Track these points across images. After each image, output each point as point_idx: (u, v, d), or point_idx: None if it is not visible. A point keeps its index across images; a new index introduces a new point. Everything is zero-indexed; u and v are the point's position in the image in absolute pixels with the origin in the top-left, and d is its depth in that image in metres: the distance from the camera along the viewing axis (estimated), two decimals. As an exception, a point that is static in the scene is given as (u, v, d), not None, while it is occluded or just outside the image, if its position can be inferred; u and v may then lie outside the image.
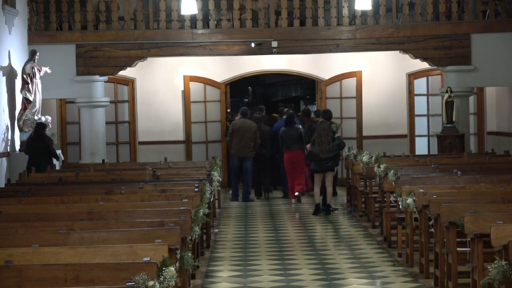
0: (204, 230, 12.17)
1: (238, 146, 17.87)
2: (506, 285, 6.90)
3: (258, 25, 18.50)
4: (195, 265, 10.03)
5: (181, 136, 20.36)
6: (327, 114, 16.60)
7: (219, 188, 15.22)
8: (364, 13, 18.39)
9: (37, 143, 15.34)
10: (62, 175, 13.28)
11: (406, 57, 19.04)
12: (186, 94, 20.26)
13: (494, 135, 20.32)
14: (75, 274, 6.00)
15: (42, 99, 16.82)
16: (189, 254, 7.49)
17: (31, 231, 7.91)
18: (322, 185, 15.85)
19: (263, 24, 18.49)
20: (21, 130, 16.46)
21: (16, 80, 16.68)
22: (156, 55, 18.57)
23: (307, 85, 29.30)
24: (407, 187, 10.47)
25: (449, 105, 17.83)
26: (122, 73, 19.09)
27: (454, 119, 17.84)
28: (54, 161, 15.89)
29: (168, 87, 20.39)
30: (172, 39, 18.32)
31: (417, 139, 20.71)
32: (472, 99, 19.87)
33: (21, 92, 16.45)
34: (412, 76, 20.59)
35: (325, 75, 20.55)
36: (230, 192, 18.61)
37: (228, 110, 20.49)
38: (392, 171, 11.96)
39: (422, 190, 10.15)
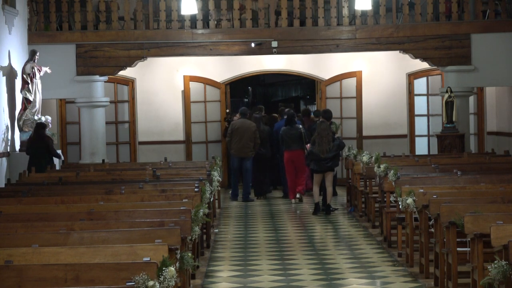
0: (204, 230, 12.17)
1: (237, 146, 17.87)
2: (506, 285, 6.90)
3: (258, 25, 18.51)
4: (195, 265, 10.03)
5: (181, 136, 20.36)
6: (327, 114, 16.60)
7: (219, 188, 15.22)
8: (364, 13, 18.39)
9: (37, 143, 15.34)
10: (62, 175, 13.28)
11: (406, 57, 19.04)
12: (186, 94, 20.26)
13: (494, 135, 20.32)
14: (75, 274, 6.00)
15: (42, 99, 16.82)
16: (189, 254, 7.49)
17: (31, 231, 7.91)
18: (321, 185, 15.86)
19: (263, 24, 18.49)
20: (21, 130, 16.47)
21: (16, 80, 16.68)
22: (156, 55, 18.57)
23: (307, 85, 29.30)
24: (407, 187, 10.47)
25: (449, 105, 17.83)
26: (122, 73, 19.09)
27: (454, 119, 17.84)
28: (55, 160, 15.91)
29: (168, 87, 20.39)
30: (172, 39, 18.32)
31: (417, 139, 20.71)
32: (472, 99, 19.87)
33: (21, 92, 16.46)
34: (412, 76, 20.59)
35: (325, 75, 20.55)
36: (230, 192, 18.61)
37: (227, 111, 20.46)
38: (392, 171, 11.96)
39: (422, 190, 10.15)
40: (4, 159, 15.80)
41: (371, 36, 18.39)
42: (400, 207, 10.53)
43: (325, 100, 20.38)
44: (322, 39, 18.41)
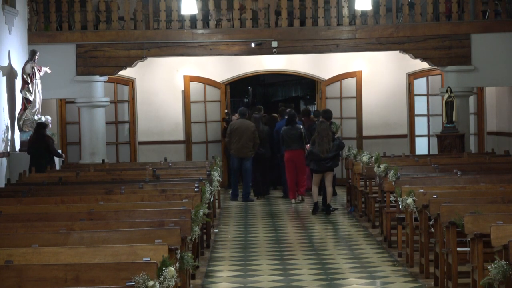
0: (204, 230, 12.17)
1: (237, 147, 17.87)
2: (506, 285, 6.90)
3: (258, 25, 18.51)
4: (195, 265, 10.03)
5: (181, 136, 20.36)
6: (327, 114, 16.59)
7: (219, 188, 15.22)
8: (364, 13, 18.40)
9: (38, 143, 15.35)
10: (62, 175, 13.28)
11: (406, 57, 19.04)
12: (186, 94, 20.26)
13: (494, 135, 20.32)
14: (75, 274, 6.00)
15: (42, 99, 16.82)
16: (189, 254, 7.48)
17: (31, 231, 7.90)
18: (321, 185, 15.88)
19: (263, 24, 18.50)
20: (21, 130, 16.47)
21: (16, 80, 16.68)
22: (156, 55, 18.57)
23: (307, 85, 29.30)
24: (407, 187, 10.47)
25: (449, 105, 17.83)
26: (122, 73, 19.09)
27: (454, 119, 17.84)
28: (56, 160, 15.91)
29: (168, 87, 20.39)
30: (172, 39, 18.32)
31: (417, 139, 20.71)
32: (472, 99, 19.87)
33: (21, 92, 16.46)
34: (412, 76, 20.59)
35: (325, 75, 20.55)
36: (230, 192, 18.61)
37: (226, 111, 20.44)
38: (392, 171, 11.96)
39: (422, 190, 10.15)
40: (4, 159, 15.80)
41: (371, 36, 18.39)
42: (400, 207, 10.53)
43: (325, 100, 20.38)
44: (322, 39, 18.41)
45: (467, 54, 18.24)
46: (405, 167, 13.45)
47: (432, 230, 9.60)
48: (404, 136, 20.56)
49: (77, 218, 8.58)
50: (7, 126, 16.13)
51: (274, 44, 18.29)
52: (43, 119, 16.37)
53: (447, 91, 17.84)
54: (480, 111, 20.65)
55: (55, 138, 16.75)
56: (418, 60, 18.87)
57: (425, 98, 20.69)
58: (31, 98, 16.40)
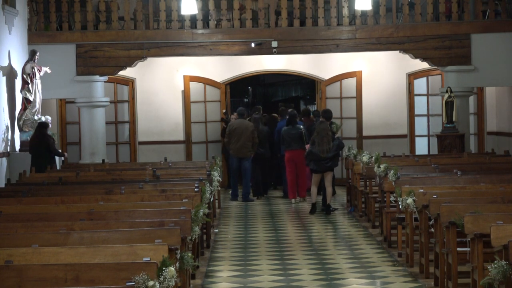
0: (204, 230, 12.17)
1: (236, 147, 17.87)
2: (506, 285, 6.90)
3: (258, 25, 18.51)
4: (195, 265, 10.03)
5: (181, 136, 20.36)
6: (327, 114, 16.59)
7: (219, 188, 15.22)
8: (364, 13, 18.40)
9: (38, 143, 15.35)
10: (62, 175, 13.28)
11: (406, 57, 19.04)
12: (186, 94, 20.26)
13: (494, 135, 20.32)
14: (75, 274, 6.00)
15: (42, 99, 16.82)
16: (189, 254, 7.48)
17: (31, 231, 7.90)
18: (320, 185, 15.89)
19: (263, 24, 18.50)
20: (21, 130, 16.47)
21: (16, 80, 16.68)
22: (156, 55, 18.57)
23: (307, 85, 29.29)
24: (407, 187, 10.47)
25: (449, 105, 17.83)
26: (122, 73, 19.09)
27: (454, 119, 17.84)
28: (57, 159, 15.90)
29: (168, 87, 20.39)
30: (172, 39, 18.32)
31: (417, 139, 20.71)
32: (472, 99, 19.87)
33: (21, 92, 16.46)
34: (412, 76, 20.59)
35: (325, 75, 20.55)
36: (230, 192, 18.61)
37: (224, 111, 20.41)
38: (392, 171, 11.96)
39: (422, 190, 10.15)
40: (4, 159, 15.80)
41: (371, 36, 18.39)
42: (400, 207, 10.53)
43: (325, 100, 20.38)
44: (322, 39, 18.41)
45: (467, 54, 18.24)
46: (405, 167, 13.45)
47: (432, 230, 9.60)
48: (404, 136, 20.56)
49: (77, 218, 8.58)
50: (7, 126, 16.13)
51: (274, 44, 18.29)
52: (43, 119, 16.38)
53: (447, 91, 17.84)
54: (480, 111, 20.65)
55: (55, 138, 16.76)
56: (418, 60, 18.87)
57: (425, 98, 20.69)
58: (31, 98, 16.40)
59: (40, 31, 18.16)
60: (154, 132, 20.36)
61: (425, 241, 9.88)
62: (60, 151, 16.08)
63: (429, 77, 20.61)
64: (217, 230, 14.05)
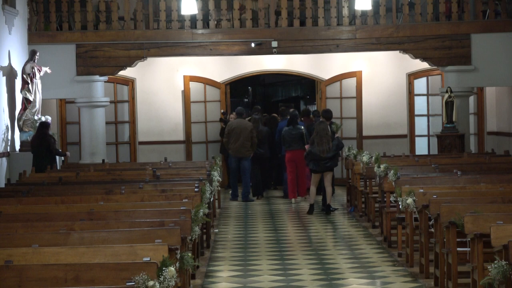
0: (204, 230, 12.17)
1: (235, 146, 17.86)
2: (506, 285, 6.90)
3: (258, 25, 18.51)
4: (195, 265, 10.03)
5: (181, 136, 20.36)
6: (328, 114, 16.60)
7: (219, 188, 15.22)
8: (364, 13, 18.40)
9: (39, 143, 15.35)
10: (62, 175, 13.28)
11: (406, 57, 19.04)
12: (186, 94, 20.26)
13: (494, 135, 20.32)
14: (75, 274, 6.00)
15: (42, 99, 16.82)
16: (189, 254, 7.48)
17: (31, 231, 7.91)
18: (320, 185, 15.88)
19: (263, 24, 18.50)
20: (21, 130, 16.47)
21: (16, 80, 16.68)
22: (156, 55, 18.57)
23: (307, 85, 29.28)
24: (407, 187, 10.47)
25: (449, 105, 17.83)
26: (122, 73, 19.09)
27: (454, 119, 17.85)
28: (57, 159, 15.90)
29: (168, 87, 20.40)
30: (172, 39, 18.32)
31: (417, 139, 20.71)
32: (472, 99, 19.88)
33: (21, 92, 16.46)
34: (412, 76, 20.59)
35: (325, 75, 20.55)
36: (230, 192, 18.61)
37: (222, 111, 20.40)
38: (392, 171, 11.96)
39: (422, 190, 10.16)
40: (4, 159, 15.80)
41: (371, 36, 18.39)
42: (400, 207, 10.53)
43: (325, 100, 20.39)
44: (322, 39, 18.41)
45: (467, 54, 18.24)
46: (405, 167, 13.45)
47: (432, 230, 9.60)
48: (404, 136, 20.56)
49: (77, 218, 8.58)
50: (7, 126, 16.13)
51: (274, 44, 18.29)
52: (43, 119, 16.38)
53: (447, 91, 17.84)
54: (480, 111, 20.65)
55: (55, 138, 16.75)
56: (418, 60, 18.87)
57: (425, 98, 20.70)
58: (31, 98, 16.40)
59: (40, 31, 18.16)
60: (154, 132, 20.36)
61: (425, 241, 9.89)
62: (60, 150, 16.07)
63: (429, 77, 20.61)
64: (217, 230, 14.05)
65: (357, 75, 20.27)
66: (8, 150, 16.07)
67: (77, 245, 7.17)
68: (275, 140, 18.51)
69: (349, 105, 20.29)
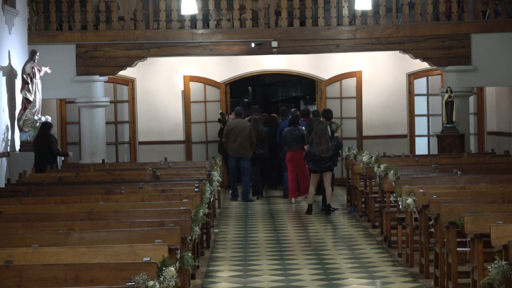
0: (204, 230, 12.17)
1: (233, 146, 17.86)
2: (506, 285, 6.90)
3: (258, 25, 18.51)
4: (195, 265, 10.03)
5: (181, 136, 20.36)
6: (328, 114, 16.60)
7: (219, 188, 15.23)
8: (364, 13, 18.40)
9: (40, 143, 15.36)
10: (62, 175, 13.28)
11: (406, 57, 19.04)
12: (186, 94, 20.26)
13: (494, 135, 20.33)
14: (75, 274, 6.00)
15: (42, 99, 16.83)
16: (189, 254, 7.48)
17: (31, 231, 7.90)
18: (320, 185, 15.88)
19: (263, 24, 18.50)
20: (21, 130, 16.47)
21: (16, 80, 16.68)
22: (156, 55, 18.57)
23: (307, 85, 29.28)
24: (407, 187, 10.47)
25: (449, 105, 17.83)
26: (122, 73, 19.09)
27: (454, 119, 17.85)
28: (58, 159, 15.90)
29: (168, 87, 20.39)
30: (172, 39, 18.32)
31: (417, 139, 20.71)
32: (472, 99, 19.88)
33: (21, 92, 16.46)
34: (412, 76, 20.59)
35: (325, 75, 20.55)
36: (230, 192, 18.61)
37: (220, 111, 20.38)
38: (392, 171, 11.96)
39: (422, 190, 10.15)
40: (4, 159, 15.80)
41: (371, 36, 18.39)
42: (400, 207, 10.53)
43: (325, 100, 20.38)
44: (322, 39, 18.41)
45: (467, 54, 18.24)
46: (405, 167, 13.45)
47: (432, 230, 9.60)
48: (404, 136, 20.56)
49: (77, 218, 8.58)
50: (7, 126, 16.13)
51: (274, 44, 18.29)
52: (43, 119, 16.38)
53: (447, 91, 17.84)
54: (480, 111, 20.65)
55: (56, 138, 16.76)
56: (418, 60, 18.87)
57: (425, 98, 20.70)
58: (31, 98, 16.41)
59: (40, 31, 18.16)
60: (154, 132, 20.36)
61: (425, 241, 9.88)
62: (61, 150, 16.07)
63: (429, 77, 20.61)
64: (217, 230, 14.05)
65: (357, 75, 20.27)
66: (8, 150, 16.07)
67: (77, 245, 7.17)
68: (276, 140, 18.50)
69: (349, 105, 20.29)
